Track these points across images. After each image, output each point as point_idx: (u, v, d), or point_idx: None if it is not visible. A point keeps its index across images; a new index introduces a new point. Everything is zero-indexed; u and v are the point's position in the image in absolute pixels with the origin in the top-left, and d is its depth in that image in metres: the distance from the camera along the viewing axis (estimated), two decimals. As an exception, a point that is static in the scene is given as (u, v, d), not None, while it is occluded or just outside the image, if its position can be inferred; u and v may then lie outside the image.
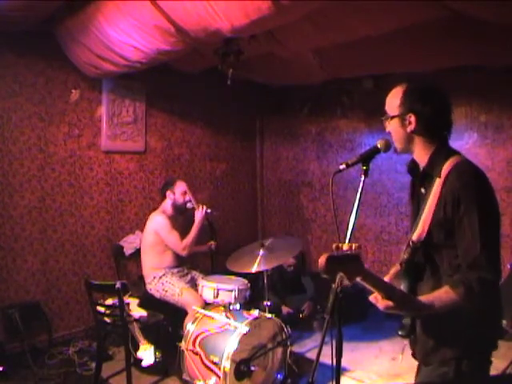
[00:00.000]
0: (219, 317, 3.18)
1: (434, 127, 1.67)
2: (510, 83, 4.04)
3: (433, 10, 2.66)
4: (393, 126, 1.72)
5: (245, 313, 3.23)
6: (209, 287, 3.35)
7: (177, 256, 3.83)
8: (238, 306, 3.31)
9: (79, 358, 3.77)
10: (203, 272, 4.03)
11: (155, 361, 3.38)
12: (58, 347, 3.92)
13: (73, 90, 4.17)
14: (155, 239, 3.79)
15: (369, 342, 4.16)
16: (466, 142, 4.38)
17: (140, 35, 3.12)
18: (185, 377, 3.15)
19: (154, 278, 3.75)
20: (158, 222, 3.80)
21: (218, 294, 3.31)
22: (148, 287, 3.80)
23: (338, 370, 1.66)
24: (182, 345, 3.14)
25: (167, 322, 3.68)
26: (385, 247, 5.00)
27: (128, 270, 4.53)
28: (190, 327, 3.18)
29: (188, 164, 5.15)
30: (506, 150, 4.24)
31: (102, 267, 4.42)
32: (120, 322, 3.28)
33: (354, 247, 1.50)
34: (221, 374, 2.87)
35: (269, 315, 3.24)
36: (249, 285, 3.45)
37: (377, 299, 1.54)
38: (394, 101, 1.70)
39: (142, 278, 3.95)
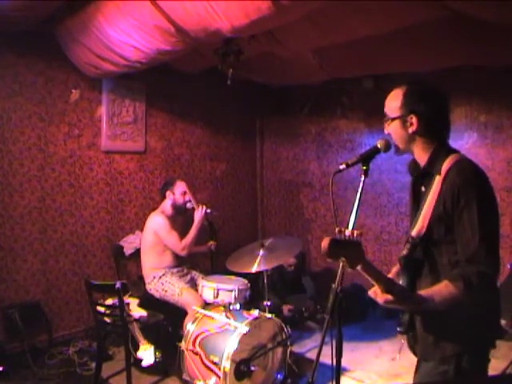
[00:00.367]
0: (219, 317, 3.18)
1: (435, 127, 1.69)
2: (510, 83, 4.04)
3: (433, 10, 2.66)
4: (394, 128, 1.73)
5: (245, 313, 3.23)
6: (209, 287, 3.35)
7: (176, 256, 3.83)
8: (238, 306, 3.31)
9: (79, 358, 3.77)
10: (203, 272, 4.03)
11: (155, 361, 3.38)
12: (58, 347, 3.92)
13: (73, 90, 4.17)
14: (154, 239, 3.79)
15: (369, 342, 4.16)
16: (465, 141, 4.38)
17: (140, 35, 3.12)
18: (185, 377, 3.15)
19: (154, 277, 3.75)
20: (157, 222, 3.80)
21: (217, 294, 3.31)
22: (148, 287, 3.80)
23: (338, 370, 1.66)
24: (182, 345, 3.14)
25: (167, 322, 3.68)
26: (385, 247, 5.00)
27: (128, 270, 4.53)
28: (189, 327, 3.18)
29: (188, 164, 5.15)
30: (506, 150, 4.24)
31: (102, 267, 4.42)
32: (120, 322, 3.28)
33: (356, 233, 1.52)
34: (221, 373, 2.87)
35: (269, 315, 3.24)
36: (249, 285, 3.45)
37: (376, 293, 1.55)
38: (394, 102, 1.72)
39: (141, 278, 3.95)
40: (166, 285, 3.69)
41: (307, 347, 4.05)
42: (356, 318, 4.53)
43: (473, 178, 1.58)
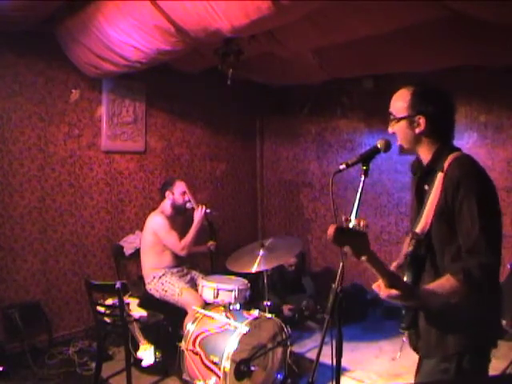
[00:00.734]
0: (219, 317, 3.18)
1: (441, 128, 1.72)
2: (510, 83, 4.04)
3: (433, 10, 2.66)
4: (400, 127, 1.75)
5: (245, 313, 3.23)
6: (209, 287, 3.35)
7: (176, 256, 3.83)
8: (238, 306, 3.31)
9: (79, 358, 3.77)
10: (203, 272, 4.03)
11: (155, 361, 3.38)
12: (58, 347, 3.92)
13: (73, 90, 4.17)
14: (154, 239, 3.79)
15: (369, 342, 4.16)
16: (466, 141, 4.38)
17: (140, 35, 3.12)
18: (185, 377, 3.15)
19: (154, 277, 3.75)
20: (156, 222, 3.79)
21: (218, 294, 3.31)
22: (148, 287, 3.80)
23: (338, 370, 1.67)
24: (182, 345, 3.14)
25: (167, 322, 3.68)
26: (385, 247, 5.00)
27: (128, 270, 4.53)
28: (190, 327, 3.18)
29: (188, 164, 5.15)
30: (506, 150, 4.24)
31: (102, 267, 4.42)
32: (120, 322, 3.28)
33: (362, 223, 1.54)
34: (221, 374, 2.87)
35: (269, 315, 3.24)
36: (249, 285, 3.45)
37: (379, 287, 1.56)
38: (401, 103, 1.74)
39: (141, 278, 3.95)
40: (166, 285, 3.69)
41: (307, 347, 4.05)
42: (356, 318, 4.53)
43: (472, 170, 1.62)
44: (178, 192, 3.89)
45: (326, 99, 5.39)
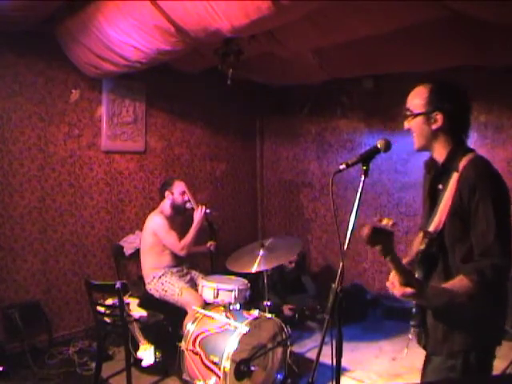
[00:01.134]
0: (219, 317, 3.18)
1: (458, 125, 1.74)
2: (510, 83, 4.04)
3: (433, 10, 2.66)
4: (416, 124, 1.76)
5: (245, 313, 3.23)
6: (209, 287, 3.35)
7: (176, 256, 3.82)
8: (238, 306, 3.31)
9: (79, 358, 3.77)
10: (203, 272, 4.03)
11: (155, 361, 3.38)
12: (58, 347, 3.92)
13: (73, 90, 4.17)
14: (154, 240, 3.79)
15: (369, 342, 4.16)
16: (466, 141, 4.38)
17: (140, 35, 3.12)
18: (185, 377, 3.15)
19: (154, 277, 3.75)
20: (156, 223, 3.79)
21: (218, 294, 3.31)
22: (148, 287, 3.80)
23: (338, 370, 1.67)
24: (182, 345, 3.14)
25: (167, 322, 3.68)
26: (385, 247, 5.00)
27: (128, 270, 4.53)
28: (189, 327, 3.18)
29: (188, 164, 5.15)
30: (506, 150, 4.24)
31: (102, 267, 4.42)
32: (120, 322, 3.28)
33: (390, 223, 1.58)
34: (221, 374, 2.87)
35: (269, 315, 3.24)
36: (249, 285, 3.45)
37: (394, 285, 1.59)
38: (418, 99, 1.75)
39: (141, 278, 3.95)
40: (166, 285, 3.69)
41: (307, 347, 4.05)
42: (356, 318, 4.53)
43: (488, 173, 1.64)
44: (178, 192, 3.89)
45: (326, 99, 5.39)
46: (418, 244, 1.79)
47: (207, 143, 5.34)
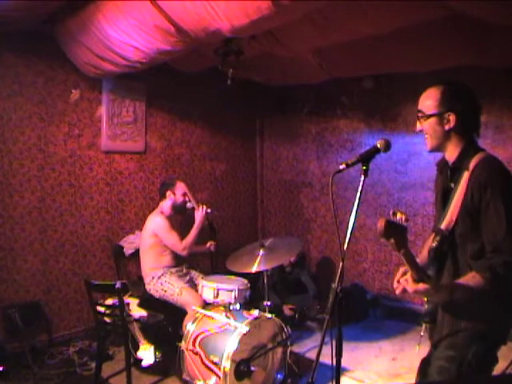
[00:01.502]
0: (219, 317, 3.18)
1: (469, 125, 1.78)
2: (510, 83, 4.04)
3: (433, 10, 2.66)
4: (429, 124, 1.79)
5: (245, 313, 3.23)
6: (209, 287, 3.35)
7: (175, 256, 3.82)
8: (238, 306, 3.30)
9: (79, 358, 3.77)
10: (203, 272, 4.03)
11: (155, 361, 3.39)
12: (58, 347, 3.92)
13: (73, 90, 4.17)
14: (154, 240, 3.79)
15: (369, 342, 4.16)
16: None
17: (140, 35, 3.12)
18: (185, 377, 3.15)
19: (153, 277, 3.75)
20: (156, 223, 3.79)
21: (218, 294, 3.31)
22: (147, 287, 3.80)
23: (338, 370, 1.67)
24: (182, 345, 3.14)
25: (167, 322, 3.68)
26: (385, 247, 5.00)
27: (128, 270, 4.53)
28: (189, 327, 3.18)
29: (188, 164, 5.15)
30: (506, 150, 4.24)
31: (102, 267, 4.42)
32: (120, 322, 3.28)
33: (403, 218, 1.60)
34: (221, 373, 2.87)
35: (269, 315, 3.24)
36: (249, 285, 3.45)
37: (407, 281, 1.61)
38: (431, 100, 1.78)
39: (141, 278, 3.95)
40: (166, 285, 3.69)
41: (307, 347, 4.05)
42: (356, 318, 4.53)
43: (499, 171, 1.67)
44: (180, 192, 3.90)
45: (326, 99, 5.39)
46: (430, 242, 1.81)
47: (207, 143, 5.34)
